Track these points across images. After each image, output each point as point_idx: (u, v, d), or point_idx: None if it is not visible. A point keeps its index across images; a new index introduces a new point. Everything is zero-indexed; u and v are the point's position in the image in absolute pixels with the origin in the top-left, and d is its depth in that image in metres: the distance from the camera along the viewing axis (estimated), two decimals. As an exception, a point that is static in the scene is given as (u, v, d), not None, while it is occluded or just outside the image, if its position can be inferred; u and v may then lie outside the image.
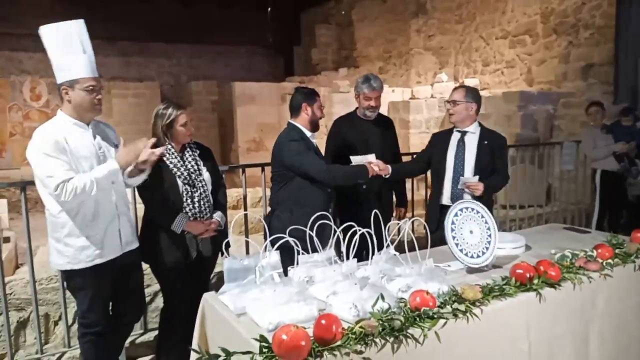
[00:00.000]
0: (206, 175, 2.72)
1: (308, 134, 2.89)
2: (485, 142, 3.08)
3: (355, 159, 2.99)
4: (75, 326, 2.90)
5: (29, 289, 2.92)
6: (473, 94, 3.10)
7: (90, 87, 2.27)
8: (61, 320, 2.92)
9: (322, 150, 3.12)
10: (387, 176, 3.03)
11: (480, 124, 3.17)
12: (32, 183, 2.63)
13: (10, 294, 2.89)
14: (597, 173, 5.06)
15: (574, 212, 5.61)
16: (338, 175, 2.84)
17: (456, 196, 3.02)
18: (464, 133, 3.10)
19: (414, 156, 3.48)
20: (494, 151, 3.09)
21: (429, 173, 3.43)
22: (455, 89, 3.17)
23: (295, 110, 2.92)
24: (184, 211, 2.61)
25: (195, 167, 2.65)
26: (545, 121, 6.65)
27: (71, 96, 2.25)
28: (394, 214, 3.54)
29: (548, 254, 2.43)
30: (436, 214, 3.04)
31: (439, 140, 3.22)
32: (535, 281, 2.07)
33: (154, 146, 2.39)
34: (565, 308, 2.13)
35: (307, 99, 2.89)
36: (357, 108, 3.40)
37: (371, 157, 2.98)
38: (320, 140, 3.01)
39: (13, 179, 8.83)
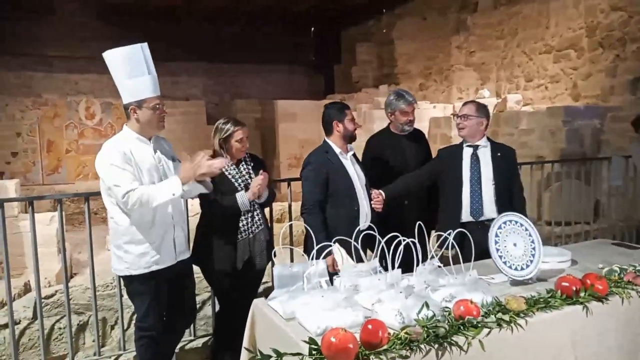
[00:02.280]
0: None
1: (337, 150, 2.94)
2: (499, 154, 3.07)
3: (337, 247, 2.42)
4: (130, 330, 3.07)
5: (87, 295, 3.11)
6: (484, 110, 3.11)
7: (156, 106, 2.45)
8: (117, 324, 3.09)
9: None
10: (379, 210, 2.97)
11: (488, 138, 3.15)
12: (95, 194, 2.84)
13: (71, 299, 3.08)
14: None
15: (623, 229, 5.42)
16: (311, 224, 2.67)
17: (476, 212, 2.98)
18: (475, 147, 3.07)
19: (415, 171, 3.32)
20: (508, 163, 3.10)
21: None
22: (466, 103, 3.16)
23: (327, 128, 2.98)
24: (240, 224, 2.75)
25: (250, 180, 2.79)
26: (591, 136, 6.49)
27: (139, 115, 2.43)
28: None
29: (595, 269, 2.40)
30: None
31: (449, 156, 3.16)
32: (582, 294, 2.06)
33: (212, 158, 2.54)
34: (613, 323, 2.10)
35: (336, 115, 2.94)
36: (389, 124, 3.47)
37: (350, 262, 2.40)
38: (360, 157, 3.08)
39: (69, 192, 9.31)
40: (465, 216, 3.00)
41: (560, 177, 5.43)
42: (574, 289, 2.06)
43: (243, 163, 2.86)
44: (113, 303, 3.14)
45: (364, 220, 2.93)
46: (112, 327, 3.16)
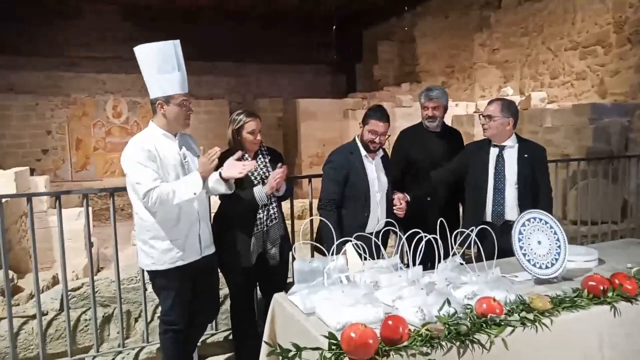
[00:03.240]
0: None
1: (363, 152, 2.92)
2: (525, 156, 2.96)
3: (350, 248, 2.32)
4: (153, 323, 3.12)
5: (112, 288, 3.17)
6: (510, 108, 2.97)
7: (183, 103, 2.48)
8: (141, 317, 3.14)
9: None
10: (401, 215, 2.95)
11: (517, 136, 3.05)
12: (120, 189, 2.89)
13: (96, 292, 3.15)
14: None
15: (653, 230, 5.28)
16: (325, 225, 2.60)
17: (497, 215, 2.94)
18: (501, 148, 2.98)
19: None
20: (534, 164, 2.97)
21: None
22: (491, 102, 3.03)
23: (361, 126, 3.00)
24: (256, 221, 2.78)
25: (267, 173, 2.79)
26: (619, 134, 6.32)
27: (166, 110, 2.46)
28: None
29: (623, 268, 2.34)
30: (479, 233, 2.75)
31: (475, 154, 3.09)
32: (610, 294, 2.01)
33: (239, 159, 2.57)
34: (642, 324, 2.05)
35: (364, 119, 2.95)
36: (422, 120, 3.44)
37: (359, 261, 2.31)
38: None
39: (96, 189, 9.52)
40: (489, 217, 2.97)
41: (587, 176, 5.31)
42: (602, 288, 2.01)
43: (260, 156, 2.87)
44: (137, 296, 3.19)
45: (372, 227, 2.88)
46: (136, 320, 3.21)
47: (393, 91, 10.59)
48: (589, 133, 6.17)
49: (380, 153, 3.00)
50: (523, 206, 2.85)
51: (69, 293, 2.99)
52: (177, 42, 2.47)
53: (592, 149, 6.00)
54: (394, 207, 2.95)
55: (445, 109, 3.37)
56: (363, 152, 2.92)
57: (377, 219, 2.93)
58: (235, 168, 2.54)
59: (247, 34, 12.09)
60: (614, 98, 7.22)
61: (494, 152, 2.99)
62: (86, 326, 3.06)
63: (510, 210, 2.93)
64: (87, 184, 11.25)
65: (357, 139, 2.98)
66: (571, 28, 8.16)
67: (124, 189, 2.62)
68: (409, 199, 3.00)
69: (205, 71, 12.37)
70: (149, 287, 3.02)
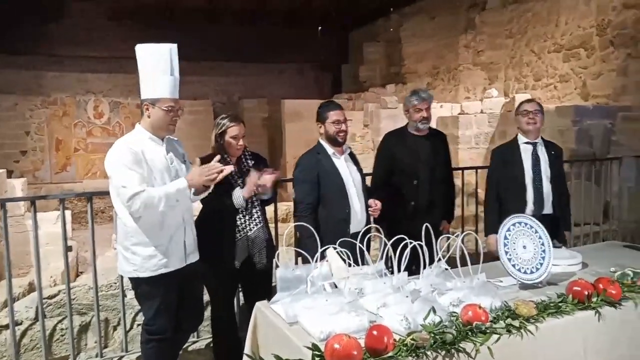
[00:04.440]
0: None
1: (330, 151, 2.90)
2: (552, 153, 3.24)
3: (332, 253, 2.27)
4: (133, 331, 3.04)
5: (90, 295, 3.09)
6: (543, 108, 3.28)
7: (169, 108, 2.41)
8: (120, 325, 3.06)
9: (365, 163, 3.10)
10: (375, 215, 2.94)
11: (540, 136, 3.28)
12: (99, 193, 2.81)
13: (74, 299, 3.06)
14: None
15: (634, 231, 5.33)
16: (303, 229, 2.61)
17: (538, 207, 3.13)
18: (534, 145, 3.20)
19: (486, 179, 3.43)
20: (558, 161, 3.27)
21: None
22: (530, 100, 3.34)
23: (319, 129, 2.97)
24: (238, 222, 2.72)
25: (231, 171, 2.73)
26: (602, 136, 6.39)
27: (151, 112, 2.40)
28: (442, 228, 3.46)
29: (607, 272, 2.34)
30: None
31: (507, 153, 3.29)
32: (594, 299, 2.01)
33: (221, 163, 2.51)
34: (627, 329, 2.04)
35: (320, 116, 2.93)
36: (407, 124, 3.40)
37: (344, 266, 2.24)
38: (367, 155, 3.04)
39: (77, 191, 9.36)
40: (529, 211, 3.11)
41: (570, 178, 5.34)
42: (586, 293, 2.00)
43: (243, 160, 2.82)
44: (116, 303, 3.11)
45: (356, 222, 2.88)
46: (115, 328, 3.13)
47: (378, 92, 10.59)
48: (572, 135, 6.23)
49: (347, 149, 2.99)
50: (554, 199, 3.16)
51: (45, 301, 2.91)
52: (174, 46, 2.43)
53: (575, 151, 6.05)
54: (369, 209, 2.92)
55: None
56: (330, 150, 2.90)
57: (357, 214, 2.90)
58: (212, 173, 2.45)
59: (232, 34, 11.98)
60: (596, 100, 7.30)
61: (528, 148, 3.20)
62: (63, 335, 2.98)
63: (547, 203, 3.15)
64: (68, 186, 11.05)
65: (320, 140, 2.96)
66: (555, 30, 8.24)
67: (103, 192, 2.55)
68: (380, 206, 2.95)
69: (189, 71, 12.23)
70: (129, 294, 2.94)
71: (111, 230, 5.68)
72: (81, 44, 10.90)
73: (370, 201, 2.93)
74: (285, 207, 5.56)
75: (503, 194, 3.24)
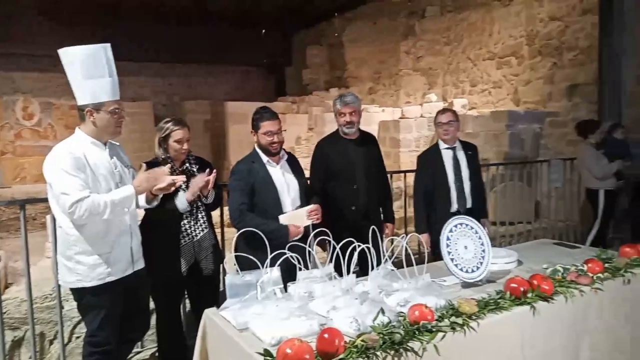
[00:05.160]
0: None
1: (265, 159, 2.80)
2: (469, 153, 3.58)
3: (284, 217, 2.75)
4: (71, 345, 2.90)
5: (24, 308, 2.91)
6: (457, 115, 3.59)
7: (114, 110, 2.32)
8: (57, 339, 2.91)
9: (306, 168, 3.10)
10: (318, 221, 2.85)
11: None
12: (32, 201, 2.66)
13: (5, 312, 2.88)
14: (600, 193, 5.06)
15: (562, 229, 5.70)
16: (250, 225, 2.52)
17: (462, 204, 3.48)
18: (453, 149, 3.52)
19: (414, 182, 3.72)
20: (474, 159, 3.62)
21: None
22: (445, 112, 3.58)
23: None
24: (182, 227, 2.67)
25: (185, 180, 2.68)
26: (532, 140, 6.80)
27: (96, 118, 2.30)
28: (387, 230, 3.54)
29: (540, 269, 2.49)
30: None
31: (431, 159, 3.57)
32: (530, 295, 2.12)
33: (171, 173, 2.46)
34: (559, 322, 2.17)
35: (252, 125, 2.82)
36: (338, 128, 3.42)
37: (302, 212, 2.77)
38: (301, 161, 3.05)
39: (4, 197, 8.76)
40: (454, 209, 3.47)
41: (504, 179, 5.64)
42: (522, 289, 2.11)
43: (187, 165, 2.77)
44: (52, 316, 2.96)
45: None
46: (51, 342, 2.98)
47: (322, 96, 10.68)
48: (506, 139, 6.56)
49: (285, 156, 2.90)
50: (473, 194, 3.54)
51: (-29, 316, 2.71)
52: (108, 46, 2.33)
53: (509, 154, 6.38)
54: (308, 212, 2.80)
55: (360, 114, 3.38)
56: (264, 158, 2.81)
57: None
58: (164, 182, 2.41)
59: (173, 34, 11.68)
60: (527, 106, 7.74)
61: (449, 153, 3.53)
62: (-7, 352, 2.79)
63: (468, 199, 3.51)
64: (-5, 192, 10.33)
65: (255, 147, 2.87)
66: (489, 39, 8.66)
67: (37, 200, 2.42)
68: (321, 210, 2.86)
69: (128, 72, 11.79)
70: (66, 305, 2.80)
71: (43, 239, 5.37)
72: (6, 40, 10.23)
73: (311, 206, 2.83)
74: (231, 211, 5.48)
75: (430, 196, 3.53)
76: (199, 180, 2.65)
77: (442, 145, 3.53)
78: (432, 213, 3.52)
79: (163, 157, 2.71)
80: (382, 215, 3.49)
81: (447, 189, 3.48)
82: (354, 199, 3.26)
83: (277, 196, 2.78)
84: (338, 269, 2.18)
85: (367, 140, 3.45)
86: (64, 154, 2.22)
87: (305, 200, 2.91)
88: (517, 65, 8.09)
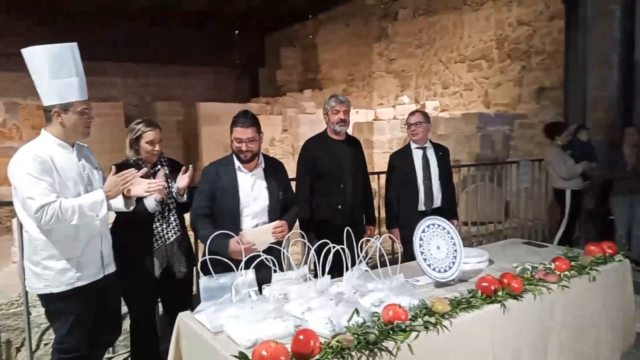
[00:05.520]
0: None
1: (237, 164, 2.62)
2: (440, 154, 3.69)
3: (247, 233, 2.52)
4: (39, 352, 2.82)
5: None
6: (428, 117, 3.71)
7: (84, 110, 2.27)
8: (24, 346, 2.82)
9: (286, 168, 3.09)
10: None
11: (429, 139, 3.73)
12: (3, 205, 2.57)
13: (-31, 320, 2.79)
14: (567, 192, 5.21)
15: (531, 228, 5.85)
16: (200, 229, 2.53)
17: (429, 203, 3.60)
18: (424, 149, 3.64)
19: (386, 181, 3.78)
20: (445, 161, 3.72)
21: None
22: (414, 113, 3.70)
23: None
24: (154, 230, 2.63)
25: (166, 185, 2.65)
26: (502, 141, 6.95)
27: (64, 119, 2.24)
28: (367, 232, 3.58)
29: (510, 268, 2.55)
30: (416, 220, 2.76)
31: (402, 159, 3.69)
32: (500, 293, 2.17)
33: (146, 177, 2.44)
34: (527, 320, 2.23)
35: (230, 129, 2.67)
36: (326, 129, 3.47)
37: (268, 227, 2.55)
38: (287, 160, 3.04)
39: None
40: (421, 206, 3.59)
41: (475, 180, 5.76)
42: (493, 288, 2.16)
43: (159, 167, 2.74)
44: (19, 322, 2.87)
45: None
46: (18, 350, 2.89)
47: (296, 97, 10.68)
48: (477, 140, 6.69)
49: (262, 164, 2.69)
50: (442, 193, 3.64)
51: None
52: (75, 45, 2.28)
53: (480, 155, 6.51)
54: (273, 229, 2.55)
55: (349, 115, 3.47)
56: (237, 163, 2.63)
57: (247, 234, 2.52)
58: (141, 186, 2.38)
59: (145, 33, 11.51)
60: (497, 108, 7.90)
61: (418, 153, 3.64)
62: (-44, 361, 2.69)
63: (437, 198, 3.62)
64: (-43, 195, 9.94)
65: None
66: (460, 42, 8.81)
67: (2, 203, 2.34)
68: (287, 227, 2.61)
69: (97, 71, 11.55)
70: (33, 311, 2.73)
71: (9, 243, 5.21)
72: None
73: (276, 222, 2.57)
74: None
75: (400, 193, 3.64)
76: (161, 176, 2.63)
77: (413, 145, 3.66)
78: (401, 210, 3.62)
79: (134, 159, 2.67)
80: (364, 217, 3.55)
81: (415, 188, 3.58)
82: (340, 199, 3.32)
83: (237, 207, 2.58)
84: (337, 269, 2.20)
85: (352, 142, 3.53)
86: (30, 157, 2.16)
87: (279, 212, 2.68)
88: (488, 68, 8.26)
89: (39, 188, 2.11)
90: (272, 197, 2.68)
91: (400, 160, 3.70)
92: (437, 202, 3.62)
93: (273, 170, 2.75)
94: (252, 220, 2.63)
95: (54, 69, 2.20)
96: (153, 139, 2.66)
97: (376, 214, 3.83)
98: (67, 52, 2.24)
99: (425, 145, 3.64)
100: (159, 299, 2.87)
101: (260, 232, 2.55)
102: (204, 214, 2.58)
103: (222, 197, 2.61)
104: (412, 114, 3.70)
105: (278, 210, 2.70)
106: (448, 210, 3.62)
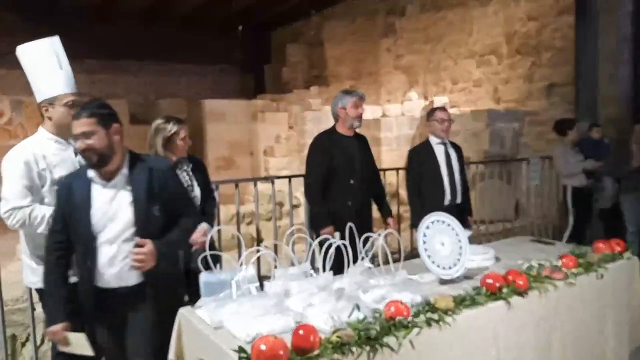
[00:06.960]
0: (197, 190, 2.75)
1: (90, 173, 2.03)
2: (457, 151, 3.79)
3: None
4: (44, 347, 2.83)
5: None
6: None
7: (70, 103, 2.27)
8: (29, 341, 2.84)
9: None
10: None
11: None
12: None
13: (-26, 315, 2.79)
14: (568, 189, 5.17)
15: (541, 227, 5.78)
16: (44, 270, 2.13)
17: (453, 197, 3.67)
18: (445, 145, 3.72)
19: (405, 178, 3.93)
20: (460, 158, 3.81)
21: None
22: (442, 109, 3.81)
23: None
24: None
25: (189, 183, 2.66)
26: (512, 138, 6.88)
27: (51, 113, 2.25)
28: (390, 225, 3.50)
29: (516, 265, 2.51)
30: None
31: (423, 154, 3.73)
32: (505, 290, 2.14)
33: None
34: (532, 316, 2.20)
35: None
36: (334, 125, 3.44)
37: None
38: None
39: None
40: (447, 201, 3.65)
41: (484, 177, 5.70)
42: (498, 285, 2.13)
43: (180, 164, 2.75)
44: (24, 318, 2.88)
45: (105, 277, 2.05)
46: (23, 344, 2.91)
47: (302, 94, 10.64)
48: (486, 137, 6.62)
49: (124, 171, 2.04)
50: (462, 189, 3.75)
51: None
52: (56, 38, 2.29)
53: (489, 152, 6.44)
54: (132, 253, 1.97)
55: None
56: (90, 172, 2.02)
57: (110, 276, 2.01)
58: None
59: (148, 31, 11.52)
60: (506, 105, 7.82)
61: (440, 148, 3.71)
62: (-38, 355, 2.71)
63: (459, 193, 3.72)
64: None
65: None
66: (468, 38, 8.72)
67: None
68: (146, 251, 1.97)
69: (101, 70, 11.60)
70: (38, 307, 2.73)
71: (14, 241, 5.24)
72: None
73: (138, 245, 1.98)
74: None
75: (424, 189, 3.66)
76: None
77: (434, 141, 3.71)
78: (426, 206, 3.54)
79: (175, 159, 2.67)
80: (380, 211, 3.58)
81: (440, 182, 3.62)
82: (350, 194, 3.31)
83: (89, 231, 1.98)
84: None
85: (361, 139, 3.54)
86: (16, 158, 2.18)
87: (157, 233, 2.03)
88: (497, 64, 8.17)
89: (14, 190, 2.13)
90: (139, 214, 2.00)
91: (423, 155, 3.73)
92: (459, 197, 3.70)
93: (150, 179, 2.04)
94: (110, 248, 1.99)
95: (39, 65, 2.22)
96: (186, 135, 2.74)
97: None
98: (47, 47, 2.25)
99: (446, 141, 3.72)
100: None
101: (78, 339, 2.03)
102: (56, 241, 2.05)
103: (73, 219, 2.02)
104: (440, 109, 3.79)
105: (155, 231, 2.02)
106: (465, 208, 3.73)
